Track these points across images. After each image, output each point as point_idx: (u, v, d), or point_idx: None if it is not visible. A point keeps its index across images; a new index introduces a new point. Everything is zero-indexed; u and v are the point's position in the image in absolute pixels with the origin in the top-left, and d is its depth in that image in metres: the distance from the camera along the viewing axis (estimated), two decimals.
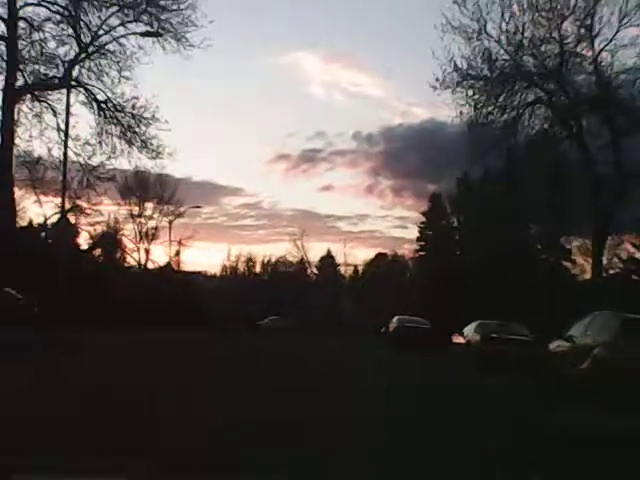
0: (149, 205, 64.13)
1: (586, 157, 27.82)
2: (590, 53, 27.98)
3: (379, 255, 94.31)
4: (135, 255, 65.70)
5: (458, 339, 26.80)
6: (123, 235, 63.38)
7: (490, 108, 28.55)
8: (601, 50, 27.47)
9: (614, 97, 27.34)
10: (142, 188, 61.00)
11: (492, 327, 24.65)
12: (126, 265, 64.80)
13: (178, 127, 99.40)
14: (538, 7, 27.67)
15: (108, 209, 53.29)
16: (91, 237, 55.44)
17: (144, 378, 14.23)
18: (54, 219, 47.06)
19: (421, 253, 75.60)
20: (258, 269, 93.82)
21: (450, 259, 60.26)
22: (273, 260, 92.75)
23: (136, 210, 63.82)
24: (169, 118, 42.26)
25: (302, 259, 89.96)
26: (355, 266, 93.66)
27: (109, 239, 59.45)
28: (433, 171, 77.55)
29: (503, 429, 9.87)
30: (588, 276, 39.06)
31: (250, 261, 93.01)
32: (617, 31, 27.24)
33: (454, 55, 28.87)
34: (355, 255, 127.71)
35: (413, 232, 74.95)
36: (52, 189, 39.63)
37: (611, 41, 27.46)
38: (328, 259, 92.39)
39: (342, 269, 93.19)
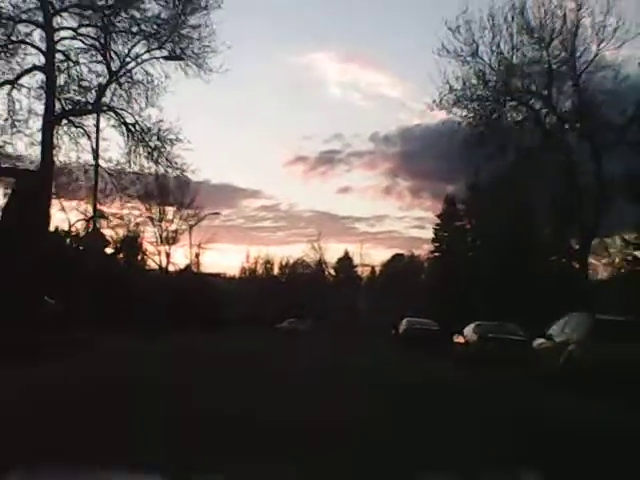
0: (169, 209, 65.82)
1: (571, 168, 29.70)
2: (571, 74, 29.95)
3: (396, 256, 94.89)
4: (156, 258, 67.50)
5: (459, 339, 28.52)
6: (144, 239, 65.10)
7: (482, 128, 30.52)
8: (582, 71, 29.52)
9: (594, 115, 29.24)
10: (162, 194, 62.40)
11: (489, 328, 26.45)
12: (147, 268, 66.54)
13: (196, 130, 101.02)
14: (527, 31, 29.65)
15: (128, 212, 54.63)
16: (114, 241, 57.26)
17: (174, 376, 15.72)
18: (78, 225, 49.64)
19: (436, 254, 76.27)
20: (276, 271, 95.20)
21: (461, 261, 61.37)
22: (291, 262, 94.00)
23: (156, 214, 65.46)
24: (187, 121, 44.19)
25: (319, 261, 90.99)
26: (372, 267, 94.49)
27: (130, 243, 61.22)
28: (451, 172, 77.90)
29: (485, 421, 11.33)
30: (599, 276, 40.81)
31: (268, 263, 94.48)
32: (596, 54, 29.54)
33: (449, 78, 31.09)
34: (373, 256, 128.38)
35: (431, 233, 75.80)
36: (76, 196, 42.09)
37: (591, 63, 29.74)
38: (345, 260, 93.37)
39: (359, 270, 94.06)
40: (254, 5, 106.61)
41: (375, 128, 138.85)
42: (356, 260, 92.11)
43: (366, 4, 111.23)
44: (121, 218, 52.47)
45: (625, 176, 29.13)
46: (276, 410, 10.31)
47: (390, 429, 9.25)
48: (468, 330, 27.64)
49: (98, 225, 43.20)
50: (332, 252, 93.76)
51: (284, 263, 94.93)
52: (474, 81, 30.54)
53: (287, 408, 10.67)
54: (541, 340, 19.92)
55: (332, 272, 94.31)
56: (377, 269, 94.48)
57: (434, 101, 31.22)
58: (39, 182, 27.78)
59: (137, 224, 62.39)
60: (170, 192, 61.51)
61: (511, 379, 19.69)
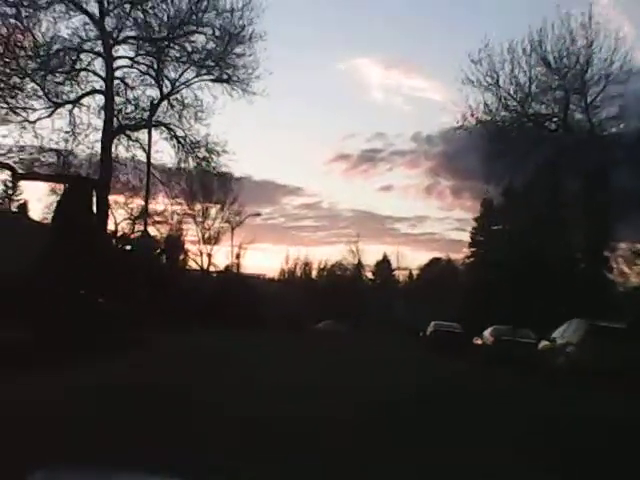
0: (212, 210, 67.91)
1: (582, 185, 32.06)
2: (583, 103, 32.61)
3: (433, 260, 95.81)
4: (197, 258, 69.62)
5: (477, 341, 30.86)
6: (186, 239, 67.02)
7: (501, 146, 33.19)
8: (592, 100, 32.20)
9: (600, 139, 31.74)
10: (206, 193, 63.76)
11: (504, 331, 28.83)
12: (188, 268, 68.52)
13: (241, 125, 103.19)
14: (545, 63, 32.39)
15: (172, 210, 56.97)
16: (158, 241, 59.38)
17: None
18: (124, 224, 52.21)
19: (472, 259, 77.18)
20: (314, 274, 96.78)
21: (494, 265, 62.82)
22: (329, 265, 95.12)
23: (199, 214, 67.34)
24: (234, 119, 47.65)
25: (357, 264, 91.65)
26: (410, 270, 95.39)
27: (173, 242, 63.23)
28: (491, 173, 78.51)
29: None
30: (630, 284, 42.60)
31: (307, 266, 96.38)
32: (605, 85, 32.31)
33: (471, 104, 34.23)
34: (413, 258, 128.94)
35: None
36: (124, 193, 45.08)
37: (600, 94, 32.53)
38: (383, 263, 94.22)
39: (397, 273, 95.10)
40: (301, 11, 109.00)
41: (417, 129, 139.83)
42: (394, 263, 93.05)
43: (410, 10, 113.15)
44: (164, 216, 55.10)
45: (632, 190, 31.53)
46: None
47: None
48: (486, 333, 30.01)
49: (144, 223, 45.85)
50: (372, 254, 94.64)
51: (322, 266, 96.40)
52: (494, 105, 33.43)
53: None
54: (546, 342, 22.13)
55: (370, 275, 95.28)
56: (415, 272, 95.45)
57: (457, 122, 34.37)
58: (91, 187, 30.68)
59: (180, 222, 64.25)
60: (213, 191, 63.34)
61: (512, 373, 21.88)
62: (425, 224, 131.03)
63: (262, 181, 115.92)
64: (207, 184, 50.44)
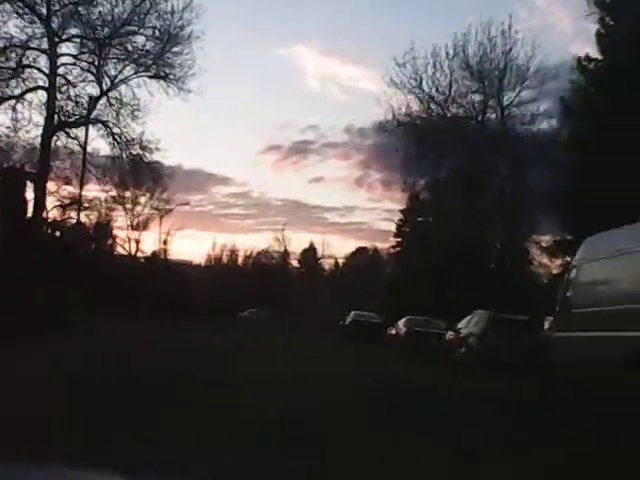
0: (141, 198, 68.23)
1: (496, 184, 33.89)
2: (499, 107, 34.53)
3: (359, 249, 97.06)
4: (125, 245, 69.94)
5: (392, 331, 32.34)
6: (114, 225, 67.19)
7: (420, 147, 34.91)
8: (508, 105, 34.17)
9: (514, 141, 33.67)
10: (136, 182, 63.86)
11: (417, 322, 30.35)
12: (116, 254, 68.75)
13: (171, 114, 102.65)
14: (466, 67, 34.20)
15: (101, 197, 57.18)
16: (86, 227, 59.52)
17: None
18: (54, 212, 52.31)
19: (397, 249, 78.72)
20: (240, 261, 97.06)
21: (416, 257, 64.48)
22: (255, 252, 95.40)
23: (128, 201, 67.53)
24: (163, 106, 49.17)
25: (284, 252, 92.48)
26: (336, 259, 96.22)
27: (102, 229, 63.47)
28: (412, 172, 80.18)
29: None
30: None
31: (233, 253, 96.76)
32: (519, 91, 34.44)
33: (394, 106, 35.89)
34: (341, 247, 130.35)
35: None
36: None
37: (516, 97, 34.58)
38: (310, 252, 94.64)
39: (323, 262, 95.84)
40: None
41: (350, 121, 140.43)
42: (321, 251, 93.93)
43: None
44: (94, 203, 55.37)
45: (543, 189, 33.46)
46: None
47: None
48: (400, 323, 31.49)
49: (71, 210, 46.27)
50: (300, 242, 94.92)
51: (248, 253, 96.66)
52: (417, 107, 35.19)
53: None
54: (451, 333, 23.55)
55: (296, 263, 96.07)
56: (341, 261, 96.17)
57: (380, 123, 36.24)
58: (25, 179, 31.35)
59: (109, 209, 64.41)
60: (143, 181, 63.54)
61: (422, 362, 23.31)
62: (354, 214, 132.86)
63: (192, 170, 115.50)
64: (137, 174, 51.08)
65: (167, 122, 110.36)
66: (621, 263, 11.80)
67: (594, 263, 12.90)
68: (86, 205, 52.75)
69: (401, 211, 75.55)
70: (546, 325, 15.17)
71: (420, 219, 72.69)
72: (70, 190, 40.24)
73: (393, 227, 75.04)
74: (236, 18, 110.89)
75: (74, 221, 48.73)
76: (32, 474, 2.29)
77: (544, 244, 52.55)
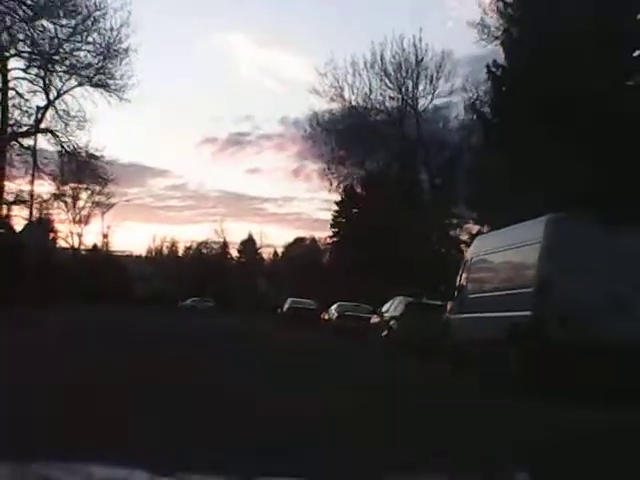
0: (82, 194, 69.96)
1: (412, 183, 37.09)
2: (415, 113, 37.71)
3: (298, 239, 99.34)
4: (68, 239, 71.41)
5: (325, 316, 35.24)
6: (54, 220, 68.58)
7: (342, 152, 37.92)
8: (423, 110, 37.30)
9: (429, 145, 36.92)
10: (79, 181, 65.40)
11: (347, 307, 33.36)
12: (58, 247, 70.13)
13: (107, 108, 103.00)
14: (385, 75, 37.30)
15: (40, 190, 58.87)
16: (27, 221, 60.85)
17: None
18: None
19: (334, 239, 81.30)
20: (181, 252, 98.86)
21: (350, 247, 67.30)
22: (195, 244, 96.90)
23: (69, 197, 69.14)
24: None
25: (223, 242, 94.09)
26: (275, 248, 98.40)
27: (42, 224, 64.89)
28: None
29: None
30: None
31: (173, 245, 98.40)
32: (432, 98, 37.99)
33: (318, 114, 38.93)
34: (280, 236, 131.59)
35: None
36: None
37: (430, 103, 38.23)
38: (248, 242, 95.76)
39: (262, 252, 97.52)
40: None
41: (286, 112, 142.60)
42: (259, 242, 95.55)
43: None
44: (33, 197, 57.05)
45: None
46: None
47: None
48: (332, 309, 34.45)
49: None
50: (240, 233, 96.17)
51: (188, 245, 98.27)
52: (339, 113, 38.20)
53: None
54: (375, 317, 26.39)
55: (236, 254, 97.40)
56: (279, 251, 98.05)
57: (305, 130, 39.44)
58: None
59: (46, 202, 65.72)
60: (86, 180, 65.25)
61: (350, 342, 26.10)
62: (292, 204, 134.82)
63: (129, 164, 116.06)
64: (82, 176, 53.34)
65: (103, 117, 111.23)
66: (499, 258, 14.74)
67: (481, 257, 15.80)
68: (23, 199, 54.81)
69: (336, 203, 78.20)
70: (447, 308, 17.95)
71: (355, 210, 75.84)
72: (11, 187, 42.48)
73: (330, 217, 77.25)
74: (170, 7, 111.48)
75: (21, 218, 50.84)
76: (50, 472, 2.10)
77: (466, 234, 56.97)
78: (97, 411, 8.03)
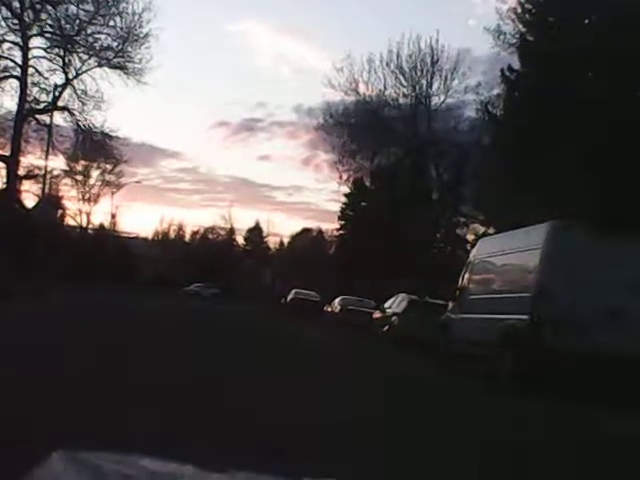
0: (93, 173, 70.44)
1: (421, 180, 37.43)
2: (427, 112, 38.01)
3: (304, 230, 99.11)
4: (76, 217, 71.94)
5: (328, 309, 35.65)
6: (64, 197, 69.04)
7: (354, 146, 38.24)
8: (435, 109, 37.57)
9: (439, 144, 37.17)
10: (90, 155, 65.66)
11: (350, 301, 33.74)
12: (65, 225, 70.52)
13: (121, 89, 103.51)
14: (401, 72, 37.61)
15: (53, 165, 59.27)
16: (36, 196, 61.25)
17: None
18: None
19: (341, 232, 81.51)
20: (188, 237, 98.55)
21: (357, 240, 67.56)
22: (203, 229, 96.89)
23: (80, 174, 69.43)
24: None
25: (230, 229, 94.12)
26: (281, 238, 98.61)
27: (52, 201, 65.29)
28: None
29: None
30: None
31: (180, 229, 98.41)
32: (445, 97, 38.43)
33: (331, 106, 39.39)
34: (288, 225, 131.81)
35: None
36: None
37: (443, 102, 38.61)
38: (255, 230, 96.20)
39: (269, 240, 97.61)
40: None
41: (300, 100, 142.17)
42: (266, 230, 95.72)
43: None
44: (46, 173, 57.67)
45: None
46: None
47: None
48: (335, 302, 34.83)
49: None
50: (247, 220, 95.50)
51: (195, 230, 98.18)
52: (352, 110, 38.63)
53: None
54: (377, 312, 26.77)
55: (242, 241, 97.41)
56: (286, 241, 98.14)
57: (318, 122, 39.83)
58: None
59: (57, 178, 66.06)
60: (97, 155, 65.60)
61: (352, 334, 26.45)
62: (301, 193, 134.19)
63: (141, 143, 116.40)
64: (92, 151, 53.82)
65: (118, 96, 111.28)
66: (500, 261, 15.05)
67: (483, 259, 16.13)
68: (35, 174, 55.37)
69: (345, 195, 78.35)
70: (448, 308, 18.28)
71: (363, 204, 75.94)
72: (23, 162, 43.01)
73: (339, 209, 77.38)
74: None
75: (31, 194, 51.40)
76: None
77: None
78: None
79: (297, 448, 6.15)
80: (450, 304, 18.14)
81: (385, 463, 6.32)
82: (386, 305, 26.22)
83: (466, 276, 16.92)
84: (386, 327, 24.37)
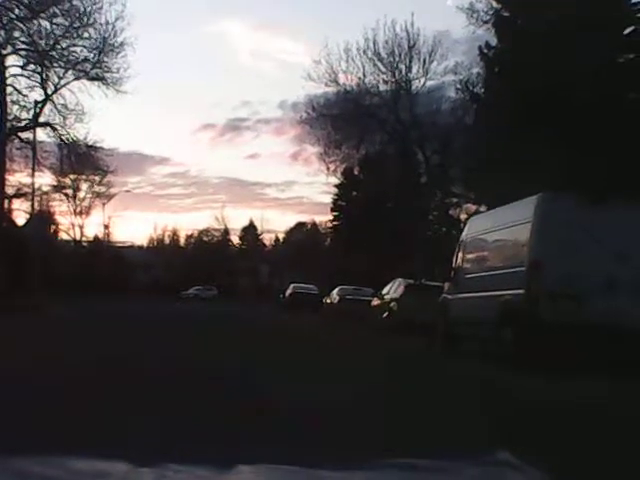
0: (83, 186, 70.24)
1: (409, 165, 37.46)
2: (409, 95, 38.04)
3: (298, 224, 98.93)
4: (69, 231, 71.71)
5: (327, 300, 35.71)
6: (55, 212, 68.79)
7: (338, 136, 38.29)
8: (416, 93, 37.54)
9: (423, 127, 37.23)
10: (77, 169, 65.51)
11: (348, 291, 33.78)
12: (59, 239, 70.39)
13: (104, 99, 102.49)
14: (379, 59, 37.66)
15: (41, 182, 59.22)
16: (27, 213, 61.17)
17: None
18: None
19: (335, 223, 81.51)
20: (182, 241, 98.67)
21: (352, 231, 67.61)
22: (197, 232, 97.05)
23: (70, 188, 69.29)
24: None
25: (224, 230, 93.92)
26: (276, 234, 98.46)
27: (43, 217, 65.11)
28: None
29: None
30: None
31: (175, 234, 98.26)
32: (425, 80, 39.10)
33: (313, 99, 39.46)
34: (282, 221, 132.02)
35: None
36: None
37: (423, 85, 39.36)
38: (250, 228, 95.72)
39: (264, 237, 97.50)
40: None
41: (284, 96, 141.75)
42: (260, 227, 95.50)
43: None
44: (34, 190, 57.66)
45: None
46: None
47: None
48: (334, 293, 34.88)
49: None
50: (242, 219, 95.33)
51: (190, 234, 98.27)
52: (333, 100, 38.66)
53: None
54: (376, 298, 26.79)
55: (237, 240, 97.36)
56: (281, 236, 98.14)
57: (300, 116, 40.09)
58: None
59: (47, 195, 65.98)
60: (84, 168, 65.45)
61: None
62: (293, 189, 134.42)
63: (129, 152, 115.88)
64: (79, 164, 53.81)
65: (101, 107, 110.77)
66: (492, 237, 15.07)
67: (475, 237, 16.14)
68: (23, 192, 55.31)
69: (336, 186, 78.30)
70: (445, 289, 18.26)
71: (355, 193, 75.97)
72: (11, 180, 42.97)
73: (331, 200, 77.28)
74: None
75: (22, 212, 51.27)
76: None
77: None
78: None
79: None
80: (446, 285, 18.13)
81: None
82: (384, 291, 26.22)
83: (460, 255, 16.91)
84: (385, 313, 24.38)
